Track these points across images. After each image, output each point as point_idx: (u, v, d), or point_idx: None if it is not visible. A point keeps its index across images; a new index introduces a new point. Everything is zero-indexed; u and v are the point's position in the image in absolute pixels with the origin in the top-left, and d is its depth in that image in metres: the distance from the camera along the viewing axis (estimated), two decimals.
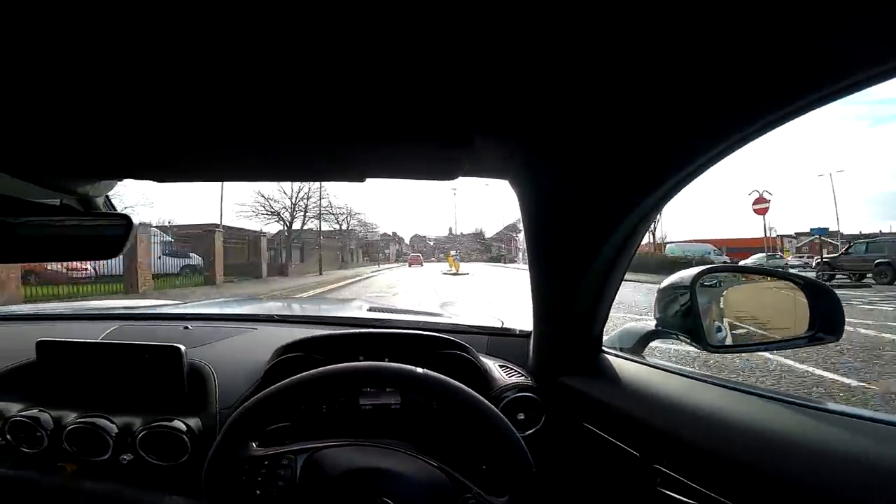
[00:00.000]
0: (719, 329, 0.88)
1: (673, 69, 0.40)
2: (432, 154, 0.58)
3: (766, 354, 3.72)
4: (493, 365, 0.99)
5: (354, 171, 0.65)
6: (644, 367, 0.80)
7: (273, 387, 0.66)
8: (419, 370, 0.68)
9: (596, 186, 0.58)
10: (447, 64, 0.41)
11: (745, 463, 0.51)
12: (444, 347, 0.98)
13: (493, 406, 0.67)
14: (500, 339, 1.09)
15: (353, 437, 0.72)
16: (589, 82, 0.43)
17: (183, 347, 0.91)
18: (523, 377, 0.96)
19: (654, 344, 0.93)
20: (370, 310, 1.31)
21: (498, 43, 0.38)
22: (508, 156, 0.59)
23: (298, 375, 0.66)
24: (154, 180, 0.68)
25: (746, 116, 0.43)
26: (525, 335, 1.06)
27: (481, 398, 0.67)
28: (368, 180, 0.67)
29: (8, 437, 0.89)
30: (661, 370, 0.77)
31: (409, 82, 0.44)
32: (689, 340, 0.80)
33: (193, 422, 0.87)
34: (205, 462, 0.63)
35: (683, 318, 0.80)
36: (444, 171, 0.63)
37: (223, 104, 0.48)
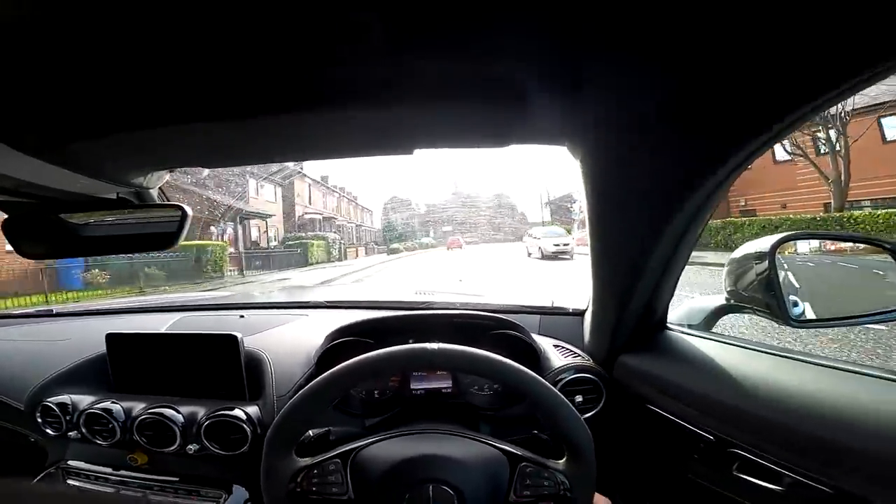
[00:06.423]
0: (796, 303, 0.81)
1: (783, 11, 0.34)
2: (482, 116, 0.54)
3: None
4: (547, 345, 0.95)
5: (402, 143, 0.63)
6: (718, 343, 0.75)
7: (301, 391, 0.64)
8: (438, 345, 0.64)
9: (669, 151, 0.52)
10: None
11: (845, 446, 0.47)
12: (495, 327, 0.95)
13: (540, 377, 0.64)
14: (552, 319, 1.05)
15: (402, 426, 0.71)
16: (672, 19, 0.38)
17: (239, 335, 0.92)
18: (579, 357, 0.92)
19: (723, 320, 0.86)
20: (417, 292, 1.30)
21: None
22: (569, 117, 0.54)
23: (318, 379, 0.64)
24: (203, 166, 0.68)
25: (840, 71, 0.36)
26: (579, 313, 1.02)
27: (524, 369, 0.64)
28: None
29: (83, 430, 0.93)
30: (739, 347, 0.71)
31: (450, 27, 0.39)
32: (766, 314, 0.73)
33: (252, 410, 0.88)
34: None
35: (760, 290, 0.73)
36: (496, 135, 0.59)
37: (265, 81, 0.46)
